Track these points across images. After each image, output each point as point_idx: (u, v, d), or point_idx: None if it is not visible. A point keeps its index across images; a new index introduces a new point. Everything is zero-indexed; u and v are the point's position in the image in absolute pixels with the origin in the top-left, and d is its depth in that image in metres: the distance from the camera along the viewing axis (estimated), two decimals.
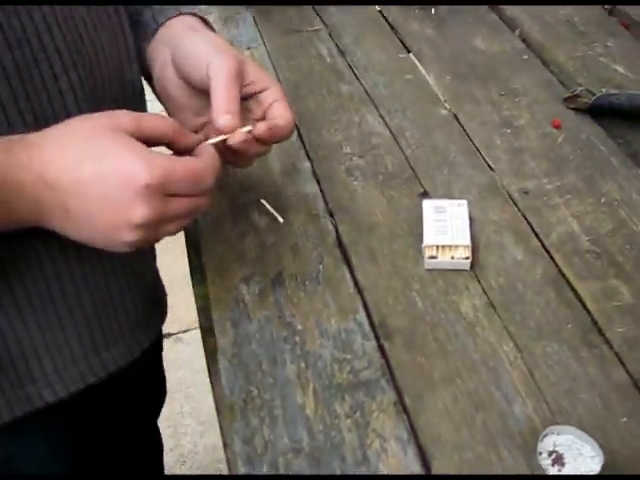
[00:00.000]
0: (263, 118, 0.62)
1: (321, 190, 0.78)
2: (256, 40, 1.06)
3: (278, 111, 0.61)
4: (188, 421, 1.61)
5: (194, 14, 0.67)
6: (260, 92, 0.62)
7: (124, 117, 0.52)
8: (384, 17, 1.09)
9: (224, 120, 0.57)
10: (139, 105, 0.66)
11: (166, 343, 0.96)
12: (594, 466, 0.53)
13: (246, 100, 0.61)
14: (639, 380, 0.59)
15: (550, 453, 0.54)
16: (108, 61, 0.60)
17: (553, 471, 0.53)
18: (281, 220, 0.73)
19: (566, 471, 0.53)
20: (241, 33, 1.08)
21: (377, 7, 1.11)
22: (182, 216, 0.54)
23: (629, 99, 0.88)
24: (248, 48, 1.04)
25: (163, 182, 0.49)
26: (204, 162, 0.54)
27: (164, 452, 1.04)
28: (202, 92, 0.61)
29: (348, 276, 0.68)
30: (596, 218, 0.74)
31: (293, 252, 0.70)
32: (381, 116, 0.88)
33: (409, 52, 1.01)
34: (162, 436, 1.01)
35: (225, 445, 0.57)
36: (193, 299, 0.70)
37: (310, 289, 0.67)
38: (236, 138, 0.58)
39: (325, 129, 0.85)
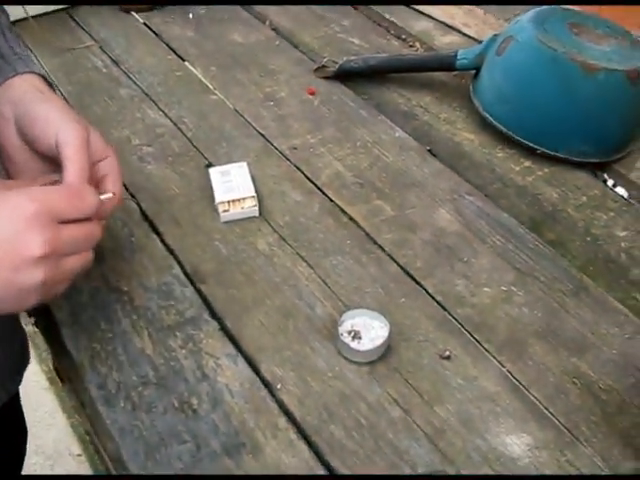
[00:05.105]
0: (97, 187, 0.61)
1: None
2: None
3: (107, 186, 0.61)
4: (34, 459, 1.59)
5: (32, 72, 0.64)
6: (98, 161, 0.61)
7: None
8: (148, 27, 1.15)
9: None
10: None
11: None
12: (383, 333, 0.64)
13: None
14: (409, 269, 0.73)
15: (349, 332, 0.65)
16: None
17: (354, 345, 0.63)
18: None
19: (363, 342, 0.64)
20: None
21: (141, 19, 1.17)
22: (79, 245, 0.52)
23: (365, 61, 1.03)
24: None
25: (50, 206, 0.48)
26: (81, 184, 0.55)
27: None
28: (44, 157, 0.60)
29: (158, 241, 0.74)
30: (355, 158, 0.87)
31: (106, 231, 0.71)
32: (161, 110, 0.95)
33: (175, 53, 1.08)
34: None
35: (83, 405, 0.62)
36: None
37: (128, 258, 0.72)
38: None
39: (113, 128, 0.90)
